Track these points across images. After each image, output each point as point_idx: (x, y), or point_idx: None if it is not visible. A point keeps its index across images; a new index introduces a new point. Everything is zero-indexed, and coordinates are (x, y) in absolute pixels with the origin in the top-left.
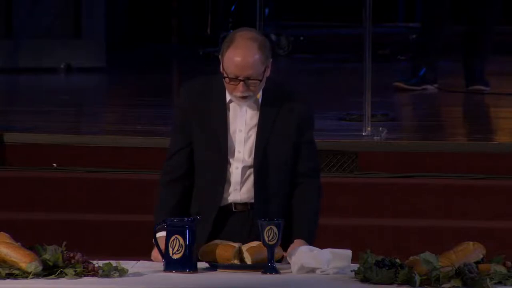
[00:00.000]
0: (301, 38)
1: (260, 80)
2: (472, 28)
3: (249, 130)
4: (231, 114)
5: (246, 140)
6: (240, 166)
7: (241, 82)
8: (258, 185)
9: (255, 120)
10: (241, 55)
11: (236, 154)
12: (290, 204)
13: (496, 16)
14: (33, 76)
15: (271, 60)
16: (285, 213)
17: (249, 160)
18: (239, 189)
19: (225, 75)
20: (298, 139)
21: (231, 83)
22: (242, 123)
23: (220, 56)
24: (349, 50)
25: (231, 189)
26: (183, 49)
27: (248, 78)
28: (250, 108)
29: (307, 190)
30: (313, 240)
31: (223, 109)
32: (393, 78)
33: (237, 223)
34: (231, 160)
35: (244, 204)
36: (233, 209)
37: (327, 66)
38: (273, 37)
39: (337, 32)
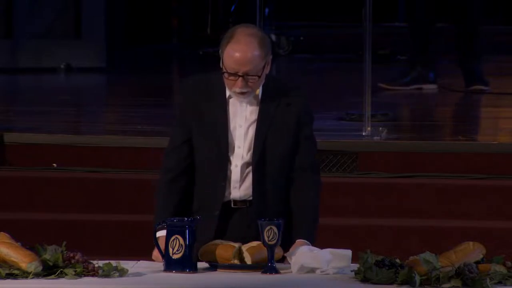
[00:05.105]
0: (301, 38)
1: (259, 76)
2: (460, 29)
3: (249, 125)
4: (231, 110)
5: (245, 135)
6: (240, 163)
7: (240, 78)
8: (257, 183)
9: (254, 116)
10: (240, 50)
11: (236, 150)
12: (289, 200)
13: (480, 14)
14: (33, 76)
15: (271, 56)
16: (284, 209)
17: (248, 157)
18: (238, 187)
19: (224, 70)
20: (297, 134)
21: (230, 78)
22: (242, 119)
23: (220, 51)
24: (349, 50)
25: (231, 187)
26: (183, 49)
27: (247, 74)
28: (250, 103)
29: (305, 186)
30: (314, 239)
31: (224, 105)
32: (393, 78)
33: (236, 220)
34: (231, 158)
35: (243, 201)
36: (232, 206)
37: (327, 66)
38: (273, 37)
39: (337, 32)
